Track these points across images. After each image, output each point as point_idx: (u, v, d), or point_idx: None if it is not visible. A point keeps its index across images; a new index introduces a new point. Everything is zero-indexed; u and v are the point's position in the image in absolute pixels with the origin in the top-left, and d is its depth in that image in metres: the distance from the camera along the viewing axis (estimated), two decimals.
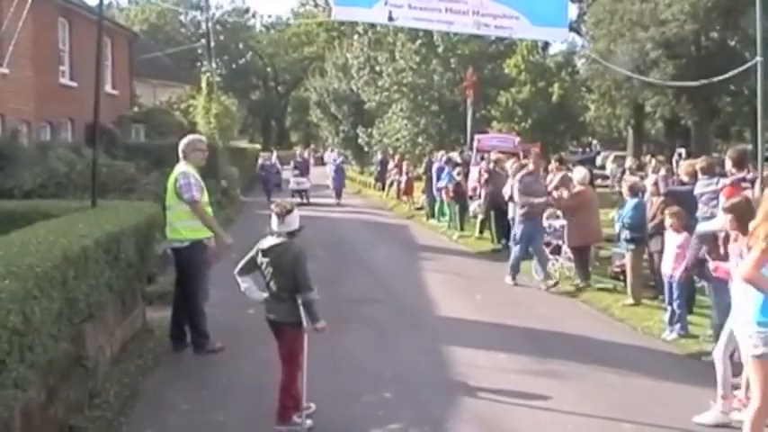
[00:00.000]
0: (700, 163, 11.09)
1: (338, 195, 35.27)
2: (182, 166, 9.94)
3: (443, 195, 23.71)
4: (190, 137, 10.51)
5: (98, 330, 8.22)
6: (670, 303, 11.05)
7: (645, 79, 31.90)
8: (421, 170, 30.05)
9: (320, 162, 56.87)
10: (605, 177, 39.63)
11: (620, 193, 14.17)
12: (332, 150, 49.43)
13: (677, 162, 30.64)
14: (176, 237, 9.86)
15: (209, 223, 9.93)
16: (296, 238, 7.41)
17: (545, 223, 15.82)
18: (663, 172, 14.63)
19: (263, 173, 36.41)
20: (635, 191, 13.28)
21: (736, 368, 7.62)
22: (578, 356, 9.83)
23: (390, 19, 14.92)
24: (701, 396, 7.85)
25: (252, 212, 27.03)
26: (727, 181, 10.31)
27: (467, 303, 13.30)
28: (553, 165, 18.44)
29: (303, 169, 35.57)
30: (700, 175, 10.88)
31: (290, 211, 7.30)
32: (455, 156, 26.19)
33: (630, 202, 13.06)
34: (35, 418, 6.14)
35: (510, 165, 18.67)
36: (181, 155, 10.06)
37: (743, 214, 7.40)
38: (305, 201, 32.82)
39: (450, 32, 32.71)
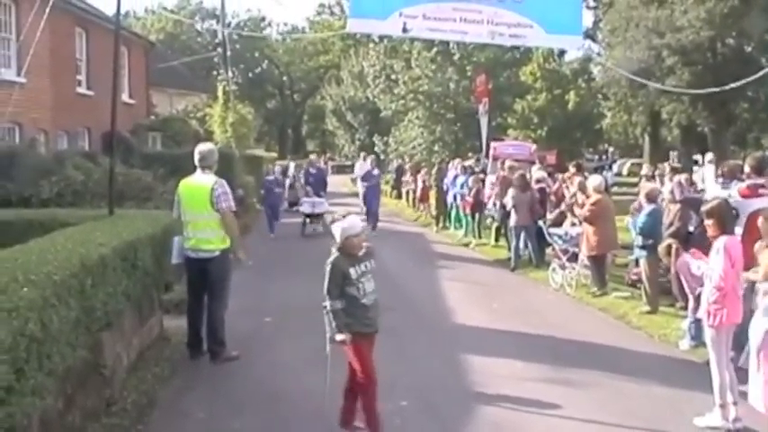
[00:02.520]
0: (721, 168, 11.03)
1: (373, 221, 25.06)
2: (212, 177, 9.91)
3: (460, 204, 23.65)
4: (208, 146, 10.42)
5: (115, 338, 8.25)
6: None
7: (660, 87, 31.78)
8: (432, 180, 29.70)
9: (340, 170, 56.01)
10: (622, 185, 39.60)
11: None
12: (365, 159, 32.32)
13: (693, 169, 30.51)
14: (206, 247, 9.79)
15: (236, 233, 9.94)
16: (338, 249, 7.38)
17: (561, 231, 15.82)
18: (678, 178, 14.55)
19: (263, 191, 25.73)
20: (652, 197, 13.24)
21: (743, 374, 7.66)
22: (595, 364, 9.80)
23: (405, 30, 14.93)
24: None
25: None
26: (743, 184, 10.26)
27: (483, 311, 13.27)
28: (571, 171, 18.46)
29: (318, 185, 26.28)
30: (720, 180, 10.81)
31: (333, 222, 7.43)
32: (469, 164, 26.16)
33: (646, 209, 13.03)
34: (53, 425, 6.17)
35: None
36: (202, 164, 10.01)
37: (723, 217, 7.63)
38: (320, 228, 23.37)
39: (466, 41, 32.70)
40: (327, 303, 7.24)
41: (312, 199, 24.78)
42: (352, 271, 7.31)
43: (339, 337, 7.20)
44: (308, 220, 24.45)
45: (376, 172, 27.57)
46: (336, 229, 7.34)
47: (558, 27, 14.67)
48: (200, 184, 9.88)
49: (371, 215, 25.47)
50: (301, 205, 25.20)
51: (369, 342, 7.55)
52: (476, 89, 34.79)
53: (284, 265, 18.42)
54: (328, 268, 7.24)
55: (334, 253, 7.35)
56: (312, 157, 29.17)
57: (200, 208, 9.75)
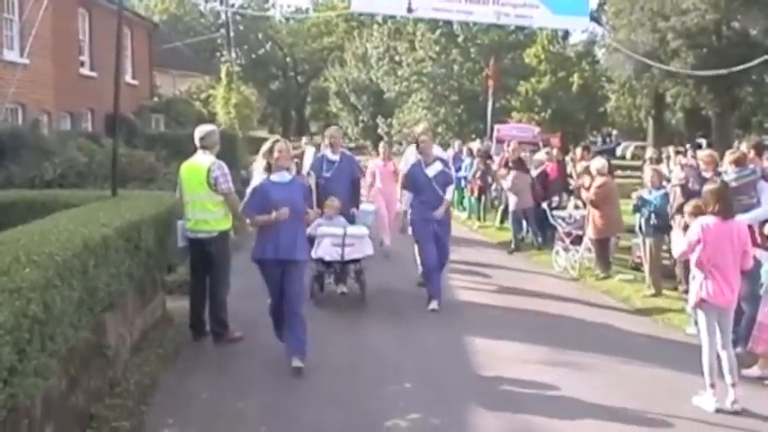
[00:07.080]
0: (732, 155, 10.88)
1: (434, 289, 11.95)
2: (210, 158, 9.88)
3: (466, 188, 23.57)
4: (209, 127, 10.40)
5: (118, 319, 8.25)
6: None
7: (665, 68, 31.68)
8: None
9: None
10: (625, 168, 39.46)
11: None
12: (420, 146, 12.16)
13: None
14: (204, 228, 9.77)
15: (239, 215, 9.88)
16: None
17: (565, 214, 15.79)
18: (683, 161, 14.55)
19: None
20: (663, 180, 13.34)
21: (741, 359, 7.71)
22: (599, 347, 9.80)
23: (410, 10, 14.86)
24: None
25: None
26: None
27: (487, 294, 13.27)
28: (578, 154, 18.41)
29: (344, 189, 12.68)
30: (733, 167, 10.63)
31: None
32: (474, 146, 26.10)
33: (659, 191, 13.03)
34: (56, 406, 6.16)
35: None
36: (202, 144, 9.98)
37: (718, 198, 7.72)
38: (359, 287, 12.08)
39: (470, 22, 32.57)
40: None
41: (334, 228, 11.80)
42: None
43: None
44: (324, 269, 12.07)
45: (448, 170, 12.55)
46: None
47: (565, 8, 14.62)
48: (197, 164, 9.86)
49: (432, 279, 12.13)
50: (317, 242, 11.63)
51: None
52: (486, 71, 34.72)
53: None
54: None
55: None
56: (331, 131, 14.02)
57: (198, 188, 9.72)
